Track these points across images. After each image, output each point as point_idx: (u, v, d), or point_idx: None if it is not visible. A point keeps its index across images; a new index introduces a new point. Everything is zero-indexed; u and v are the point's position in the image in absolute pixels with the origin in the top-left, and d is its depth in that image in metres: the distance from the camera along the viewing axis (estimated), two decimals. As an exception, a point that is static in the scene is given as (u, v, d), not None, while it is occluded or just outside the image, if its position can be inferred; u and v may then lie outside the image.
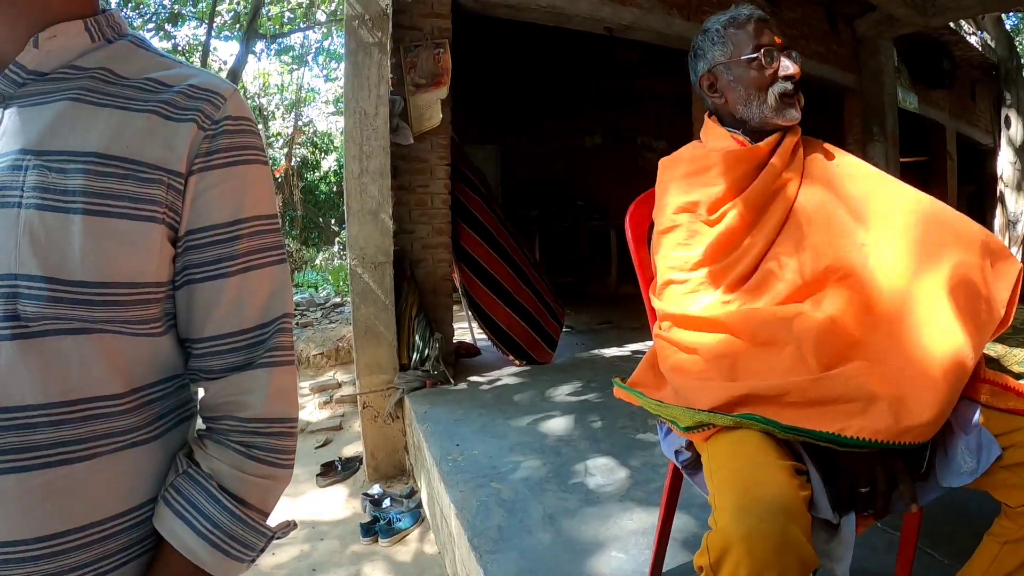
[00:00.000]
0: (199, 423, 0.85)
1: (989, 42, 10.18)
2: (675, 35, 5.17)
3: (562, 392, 3.71)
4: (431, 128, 3.95)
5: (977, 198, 11.50)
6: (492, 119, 8.07)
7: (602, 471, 2.60)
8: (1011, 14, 13.49)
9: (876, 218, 1.38)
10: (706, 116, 1.63)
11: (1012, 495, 1.12)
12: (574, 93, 8.56)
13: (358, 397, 3.78)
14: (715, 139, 1.56)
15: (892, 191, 1.42)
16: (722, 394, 1.17)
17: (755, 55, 1.47)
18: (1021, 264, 1.27)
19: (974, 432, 1.14)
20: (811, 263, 1.36)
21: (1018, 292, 1.25)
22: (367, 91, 3.65)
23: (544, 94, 8.36)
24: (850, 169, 1.51)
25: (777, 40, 1.48)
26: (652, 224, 1.57)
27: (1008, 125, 10.49)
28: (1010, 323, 1.24)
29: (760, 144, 1.49)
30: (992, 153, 10.91)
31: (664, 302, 1.44)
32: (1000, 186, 10.61)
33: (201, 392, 0.84)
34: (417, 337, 3.76)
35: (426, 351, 3.75)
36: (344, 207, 3.77)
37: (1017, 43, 12.99)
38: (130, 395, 0.74)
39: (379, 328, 3.70)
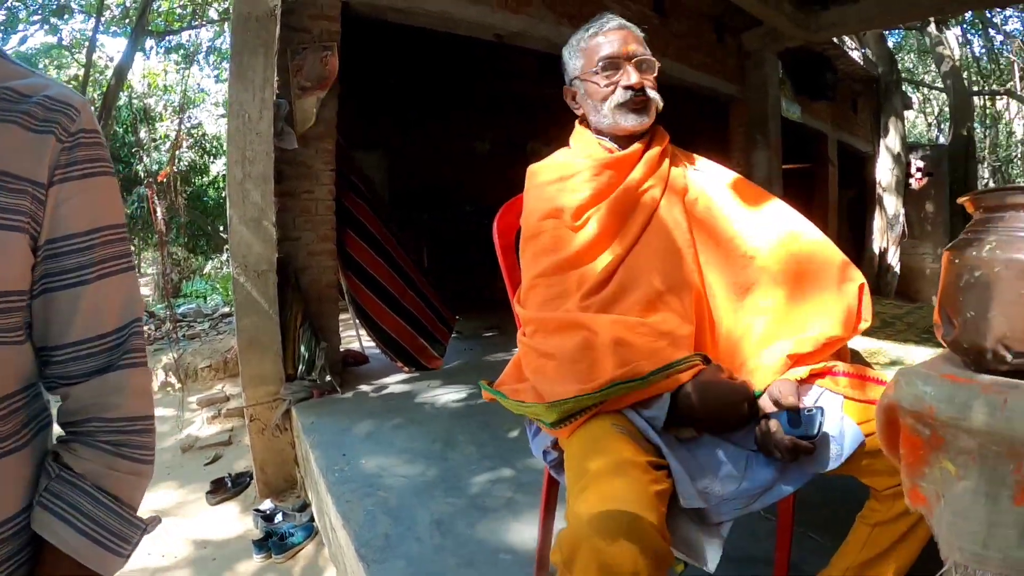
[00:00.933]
0: (57, 430, 0.88)
1: (871, 57, 10.77)
2: (565, 43, 5.18)
3: (449, 398, 3.70)
4: (308, 128, 3.85)
5: (858, 202, 12.17)
6: (381, 123, 7.91)
7: (488, 475, 2.60)
8: (892, 31, 14.38)
9: (731, 238, 1.47)
10: (576, 123, 1.66)
11: (878, 480, 1.19)
12: (464, 98, 8.52)
13: (245, 410, 3.64)
14: (583, 146, 1.59)
15: (753, 214, 1.50)
16: (582, 386, 1.19)
17: (596, 68, 1.52)
18: (863, 280, 1.38)
19: (838, 421, 1.21)
20: (665, 274, 1.42)
21: (861, 302, 1.36)
22: (251, 93, 3.52)
23: (434, 99, 8.28)
24: (716, 184, 1.57)
25: (625, 50, 1.51)
26: (520, 230, 1.58)
27: (887, 134, 11.17)
28: (861, 328, 1.35)
29: (625, 152, 1.53)
30: (871, 160, 11.59)
31: (526, 307, 1.44)
32: (879, 190, 11.27)
33: (58, 398, 0.86)
34: (302, 347, 3.67)
35: (312, 360, 3.66)
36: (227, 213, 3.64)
37: (897, 59, 13.83)
38: (1, 403, 0.75)
39: (263, 338, 3.57)
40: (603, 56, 1.52)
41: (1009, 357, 0.77)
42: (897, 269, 11.31)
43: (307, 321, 3.73)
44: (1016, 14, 16.71)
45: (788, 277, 1.40)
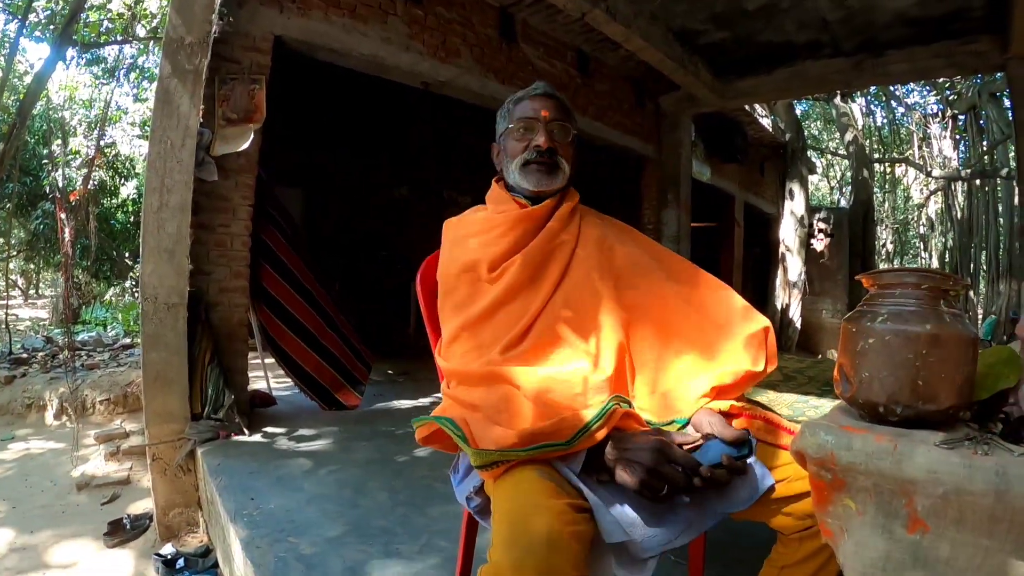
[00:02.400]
0: None
1: (779, 124, 11.35)
2: (489, 95, 5.38)
3: (360, 443, 3.65)
4: (234, 151, 3.79)
5: (763, 260, 12.72)
6: (304, 160, 7.81)
7: (402, 521, 2.58)
8: (800, 101, 15.25)
9: (641, 288, 1.53)
10: (494, 180, 1.71)
11: (785, 524, 1.25)
12: (387, 142, 8.53)
13: (147, 448, 3.49)
14: (497, 202, 1.65)
15: (665, 263, 1.58)
16: (508, 438, 1.20)
17: (512, 127, 1.60)
18: (768, 324, 1.44)
19: (749, 463, 1.25)
20: (583, 323, 1.46)
21: (766, 343, 1.41)
22: (176, 120, 3.45)
23: (359, 140, 8.27)
24: (625, 238, 1.64)
25: (544, 113, 1.58)
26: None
27: (792, 197, 11.76)
28: (769, 370, 1.40)
29: (538, 207, 1.58)
30: (776, 221, 12.16)
31: (448, 360, 1.48)
32: (782, 249, 11.82)
33: None
34: (210, 385, 3.56)
35: (220, 400, 3.56)
36: (140, 241, 3.53)
37: (804, 127, 14.67)
38: None
39: (170, 374, 3.45)
40: (523, 117, 1.59)
41: (899, 410, 0.91)
42: (798, 324, 11.84)
43: (216, 359, 3.64)
44: (917, 88, 18.03)
45: (704, 320, 1.46)
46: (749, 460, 1.22)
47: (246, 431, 3.64)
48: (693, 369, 1.40)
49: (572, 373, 1.35)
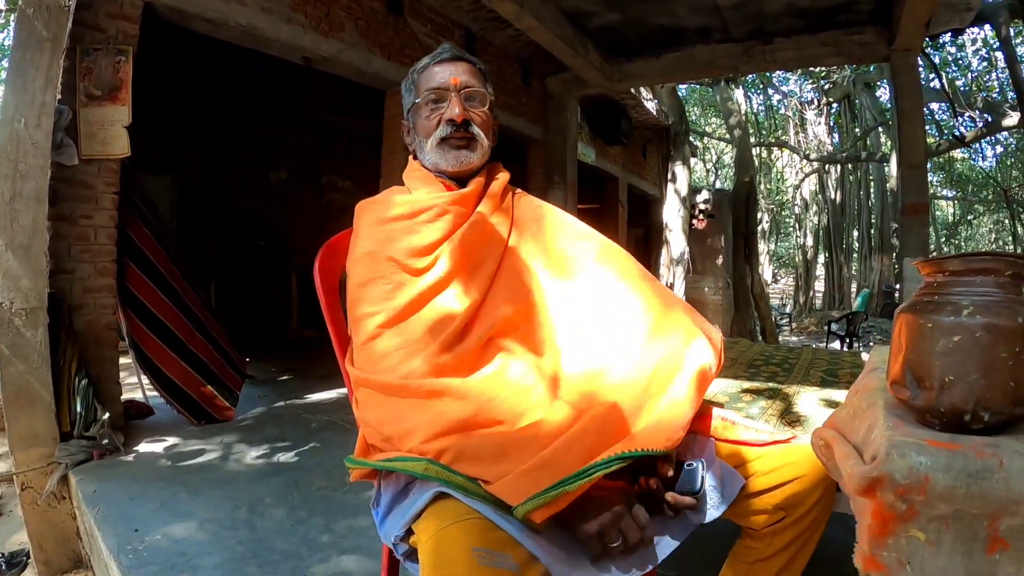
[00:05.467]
0: None
1: (663, 107, 11.60)
2: (373, 73, 5.17)
3: (250, 454, 3.36)
4: (113, 156, 3.42)
5: (644, 241, 13.13)
6: (172, 143, 7.16)
7: (306, 542, 2.36)
8: (683, 85, 15.70)
9: (591, 280, 1.38)
10: (411, 158, 1.50)
11: (756, 519, 1.17)
12: (264, 124, 8.01)
13: (15, 477, 3.04)
14: (419, 182, 1.44)
15: (608, 254, 1.45)
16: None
17: (420, 100, 1.41)
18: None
19: (715, 467, 1.17)
20: (525, 315, 1.31)
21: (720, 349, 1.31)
22: (31, 95, 3.00)
23: (233, 122, 7.70)
24: (567, 222, 1.50)
25: (454, 80, 1.39)
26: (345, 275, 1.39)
27: (674, 179, 12.06)
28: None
29: (468, 189, 1.40)
30: (658, 202, 12.51)
31: (362, 366, 1.25)
32: (666, 231, 12.13)
33: None
34: (78, 399, 3.15)
35: (91, 415, 3.15)
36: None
37: (687, 110, 15.11)
38: None
39: (33, 390, 3.01)
40: (430, 87, 1.40)
41: (987, 417, 0.81)
42: (683, 302, 12.20)
43: (83, 369, 3.23)
44: (793, 76, 19.39)
45: (663, 320, 1.32)
46: (713, 465, 1.17)
47: (122, 449, 3.26)
48: (664, 380, 1.23)
49: (527, 388, 1.20)
